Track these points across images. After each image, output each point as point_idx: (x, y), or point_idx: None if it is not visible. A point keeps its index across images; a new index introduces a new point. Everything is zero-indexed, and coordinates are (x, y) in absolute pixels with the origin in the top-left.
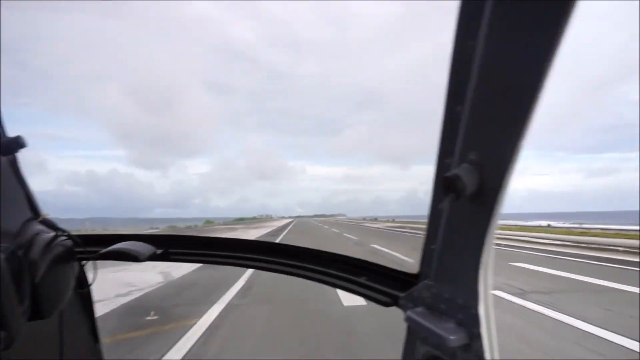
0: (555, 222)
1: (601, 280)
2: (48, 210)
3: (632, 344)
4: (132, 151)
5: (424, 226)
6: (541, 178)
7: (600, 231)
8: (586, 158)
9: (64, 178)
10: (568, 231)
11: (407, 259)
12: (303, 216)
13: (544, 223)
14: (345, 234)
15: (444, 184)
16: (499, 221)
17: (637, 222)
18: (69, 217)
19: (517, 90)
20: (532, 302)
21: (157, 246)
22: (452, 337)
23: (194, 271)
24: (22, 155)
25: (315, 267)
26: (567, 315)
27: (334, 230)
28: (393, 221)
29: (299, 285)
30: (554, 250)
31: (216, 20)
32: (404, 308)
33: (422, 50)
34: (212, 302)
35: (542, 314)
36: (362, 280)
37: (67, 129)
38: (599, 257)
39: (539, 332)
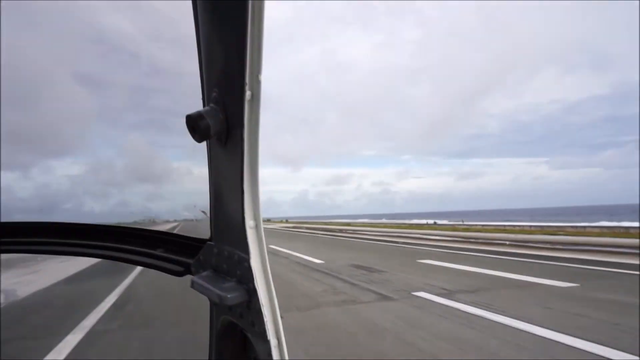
0: (439, 220)
1: (513, 274)
2: None
3: (602, 350)
4: None
5: (321, 226)
6: (419, 181)
7: (481, 227)
8: (456, 162)
9: None
10: (453, 227)
11: (312, 260)
12: (190, 219)
13: (430, 221)
14: None
15: (188, 124)
16: (260, 167)
17: (502, 218)
18: None
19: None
20: (466, 304)
21: None
22: (229, 296)
23: (53, 285)
24: None
25: (107, 244)
26: (514, 318)
27: None
28: (287, 221)
29: (192, 296)
30: (451, 246)
31: (87, 7)
32: (195, 274)
33: (310, 55)
34: (67, 331)
35: (486, 318)
36: (158, 252)
37: None
38: (493, 250)
39: (500, 346)
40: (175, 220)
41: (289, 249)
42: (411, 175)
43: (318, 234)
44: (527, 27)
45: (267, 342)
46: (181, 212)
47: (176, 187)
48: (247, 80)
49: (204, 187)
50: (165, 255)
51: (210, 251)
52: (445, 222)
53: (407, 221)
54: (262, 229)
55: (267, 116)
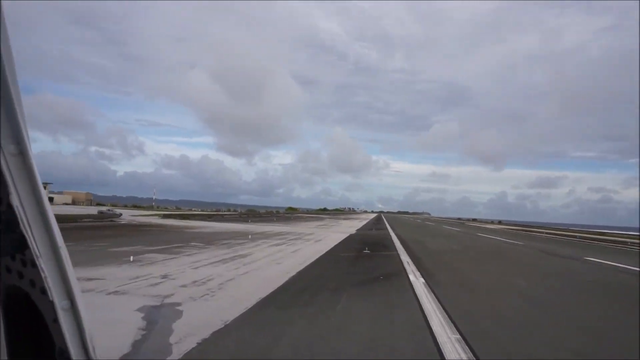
0: None
1: None
2: (151, 190)
3: None
4: (220, 138)
5: (559, 232)
6: None
7: None
8: None
9: (160, 162)
10: None
11: None
12: (385, 212)
13: None
14: (484, 235)
15: None
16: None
17: None
18: (164, 198)
19: None
20: None
21: None
22: None
23: None
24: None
25: None
26: None
27: (454, 228)
28: (500, 223)
29: None
30: None
31: (304, 13)
32: None
33: (516, 47)
34: None
35: None
36: None
37: (162, 115)
38: None
39: None
40: (371, 211)
41: None
42: None
43: (599, 243)
44: None
45: (51, 303)
46: (375, 204)
47: (373, 179)
48: None
49: (400, 181)
50: None
51: None
52: None
53: None
54: (31, 156)
55: (465, 112)
